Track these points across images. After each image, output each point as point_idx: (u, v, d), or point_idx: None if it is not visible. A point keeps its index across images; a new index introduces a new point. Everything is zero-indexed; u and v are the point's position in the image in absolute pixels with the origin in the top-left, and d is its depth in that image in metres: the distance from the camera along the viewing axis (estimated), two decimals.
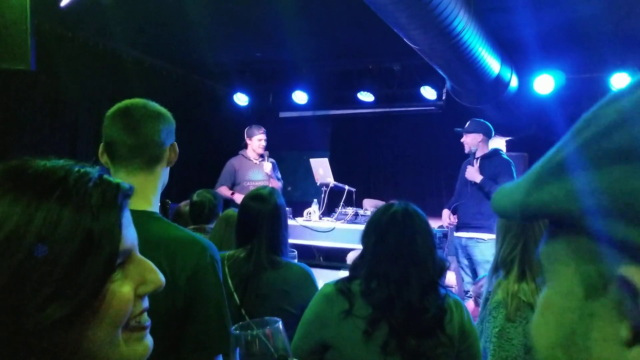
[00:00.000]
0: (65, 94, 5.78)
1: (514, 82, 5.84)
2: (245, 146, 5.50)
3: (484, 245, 4.48)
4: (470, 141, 4.80)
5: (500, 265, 2.12)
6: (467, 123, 4.88)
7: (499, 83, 5.49)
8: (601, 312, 0.39)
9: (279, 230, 2.25)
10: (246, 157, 5.41)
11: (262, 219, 2.22)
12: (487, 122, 4.84)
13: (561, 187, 0.39)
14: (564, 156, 0.40)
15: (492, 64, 5.03)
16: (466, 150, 4.86)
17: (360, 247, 1.84)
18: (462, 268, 4.80)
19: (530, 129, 6.16)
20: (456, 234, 4.82)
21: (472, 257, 4.60)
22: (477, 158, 4.78)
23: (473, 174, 4.70)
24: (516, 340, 1.95)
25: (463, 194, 4.79)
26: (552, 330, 0.42)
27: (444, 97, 6.63)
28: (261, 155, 5.40)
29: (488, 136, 4.81)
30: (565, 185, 0.39)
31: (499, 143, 4.80)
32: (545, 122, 6.34)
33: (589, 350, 0.39)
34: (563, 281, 0.42)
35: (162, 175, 1.48)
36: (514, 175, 4.63)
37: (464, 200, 4.75)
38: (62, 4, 4.19)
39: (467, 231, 4.65)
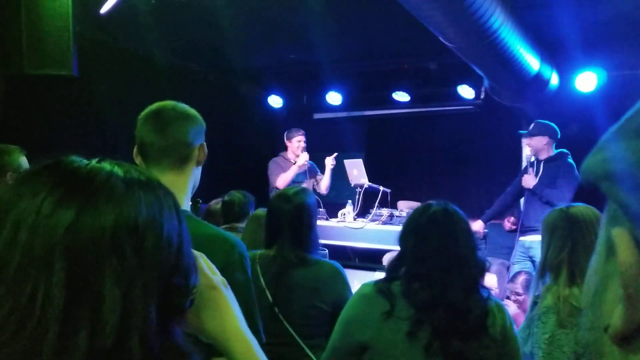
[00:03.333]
0: (106, 99, 5.92)
1: (554, 80, 5.70)
2: (285, 149, 5.57)
3: None
4: (536, 144, 4.71)
5: (548, 268, 2.04)
6: (532, 125, 4.79)
7: (539, 81, 5.37)
8: (614, 272, 0.42)
9: (302, 228, 2.27)
10: (286, 159, 5.47)
11: (285, 218, 2.26)
12: (552, 124, 4.73)
13: (599, 155, 0.45)
14: (611, 130, 0.46)
15: (531, 61, 4.92)
16: (531, 154, 4.77)
17: (395, 247, 1.82)
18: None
19: (572, 128, 6.00)
20: (521, 238, 4.76)
21: (535, 260, 4.48)
22: (541, 161, 4.69)
23: (528, 181, 4.66)
24: (567, 347, 1.87)
25: (526, 199, 4.76)
26: (587, 292, 0.47)
27: (482, 96, 6.51)
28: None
29: (553, 138, 4.71)
30: (602, 154, 0.45)
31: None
32: (587, 120, 6.14)
33: (601, 306, 0.43)
34: (598, 244, 0.47)
35: (193, 174, 1.53)
36: (575, 177, 4.51)
37: (527, 205, 4.74)
38: (102, 10, 4.31)
39: (532, 234, 4.56)
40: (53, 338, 0.56)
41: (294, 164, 5.36)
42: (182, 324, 0.69)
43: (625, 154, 0.41)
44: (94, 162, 0.66)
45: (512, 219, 5.96)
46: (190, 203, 1.70)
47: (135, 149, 1.51)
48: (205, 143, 1.54)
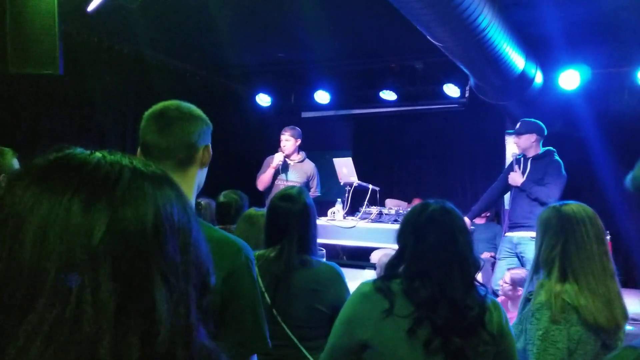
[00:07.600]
0: (92, 97, 5.87)
1: (538, 78, 5.76)
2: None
3: None
4: (523, 142, 4.72)
5: (542, 264, 2.06)
6: (518, 124, 4.79)
7: (524, 79, 5.43)
8: None
9: (309, 229, 2.25)
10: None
11: (292, 219, 2.22)
12: (539, 122, 4.75)
13: None
14: None
15: (517, 60, 4.98)
16: (519, 152, 4.80)
17: (384, 245, 1.83)
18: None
19: (556, 125, 6.08)
20: (508, 234, 4.78)
21: (523, 255, 4.53)
22: (528, 159, 4.71)
23: (515, 178, 4.67)
24: (561, 344, 1.88)
25: (513, 195, 4.77)
26: None
27: (467, 95, 6.57)
28: (296, 154, 5.46)
29: (541, 136, 4.72)
30: None
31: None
32: (571, 118, 6.24)
33: None
34: None
35: (197, 176, 1.49)
36: (563, 175, 4.56)
37: (514, 201, 4.74)
38: (89, 8, 4.26)
39: (520, 230, 4.61)
40: (107, 347, 0.52)
41: (289, 163, 5.37)
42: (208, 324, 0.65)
43: None
44: (106, 154, 0.60)
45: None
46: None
47: (138, 150, 1.47)
48: (210, 144, 1.50)
